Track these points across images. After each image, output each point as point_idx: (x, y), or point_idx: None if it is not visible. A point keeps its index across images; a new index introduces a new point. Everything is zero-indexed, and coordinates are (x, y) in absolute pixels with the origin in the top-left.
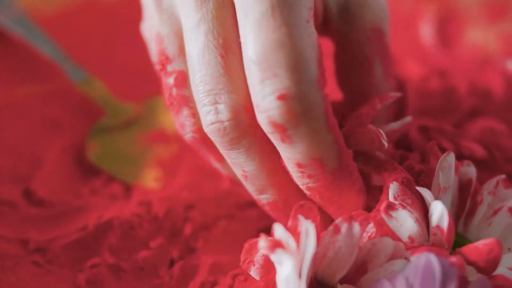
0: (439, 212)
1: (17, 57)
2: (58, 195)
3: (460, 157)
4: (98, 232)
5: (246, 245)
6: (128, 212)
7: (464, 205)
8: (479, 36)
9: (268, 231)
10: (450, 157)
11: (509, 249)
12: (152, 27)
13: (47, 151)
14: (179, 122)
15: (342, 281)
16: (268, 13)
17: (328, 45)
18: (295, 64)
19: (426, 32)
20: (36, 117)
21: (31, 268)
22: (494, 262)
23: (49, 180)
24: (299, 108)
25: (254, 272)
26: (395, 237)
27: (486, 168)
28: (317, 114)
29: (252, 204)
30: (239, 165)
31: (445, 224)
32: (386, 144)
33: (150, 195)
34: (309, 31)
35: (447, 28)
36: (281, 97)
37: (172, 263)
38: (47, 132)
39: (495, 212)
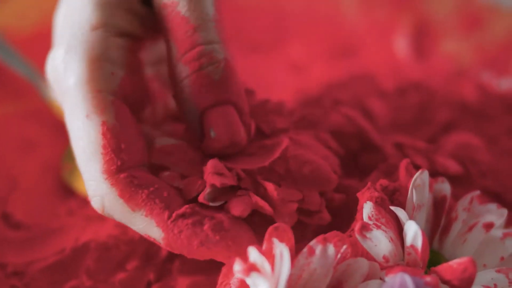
0: (413, 232)
1: None
2: (35, 217)
3: (434, 174)
4: (75, 255)
5: (224, 269)
6: (105, 234)
7: (439, 222)
8: (454, 47)
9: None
10: (424, 175)
11: (484, 265)
12: None
13: (23, 172)
14: None
15: None
16: None
17: None
18: None
19: (401, 44)
20: (12, 137)
21: None
22: (469, 281)
23: (25, 201)
24: None
25: None
26: (370, 257)
27: (461, 183)
28: None
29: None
30: None
31: (419, 243)
32: None
33: None
34: None
35: (423, 39)
36: None
37: (149, 285)
38: (23, 152)
39: (470, 228)
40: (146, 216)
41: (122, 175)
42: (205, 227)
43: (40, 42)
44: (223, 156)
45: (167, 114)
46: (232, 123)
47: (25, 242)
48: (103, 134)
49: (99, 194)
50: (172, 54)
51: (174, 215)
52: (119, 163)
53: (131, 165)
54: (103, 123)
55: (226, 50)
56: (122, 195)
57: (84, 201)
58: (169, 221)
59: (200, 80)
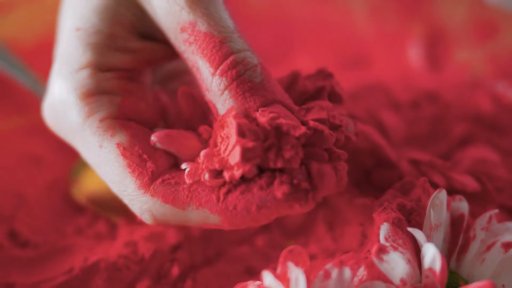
0: (431, 254)
1: None
2: (43, 235)
3: (451, 191)
4: (84, 275)
5: None
6: (114, 254)
7: (456, 241)
8: (467, 57)
9: (256, 270)
10: (442, 194)
11: (503, 286)
12: None
13: (29, 188)
14: None
15: None
16: None
17: None
18: None
19: (414, 54)
20: (18, 152)
21: None
22: None
23: (33, 219)
24: None
25: None
26: (386, 279)
27: (479, 200)
28: None
29: (241, 242)
30: None
31: (437, 266)
32: None
33: (136, 234)
34: None
35: (435, 49)
36: None
37: None
38: (29, 168)
39: (488, 248)
40: (197, 208)
41: (157, 182)
42: (254, 190)
43: (44, 53)
44: None
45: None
46: (288, 116)
47: (33, 261)
48: (123, 155)
49: (145, 209)
50: (204, 71)
51: (221, 195)
52: (149, 173)
53: (161, 170)
54: (118, 145)
55: (257, 55)
56: (166, 200)
57: (93, 218)
58: (219, 203)
59: (242, 86)
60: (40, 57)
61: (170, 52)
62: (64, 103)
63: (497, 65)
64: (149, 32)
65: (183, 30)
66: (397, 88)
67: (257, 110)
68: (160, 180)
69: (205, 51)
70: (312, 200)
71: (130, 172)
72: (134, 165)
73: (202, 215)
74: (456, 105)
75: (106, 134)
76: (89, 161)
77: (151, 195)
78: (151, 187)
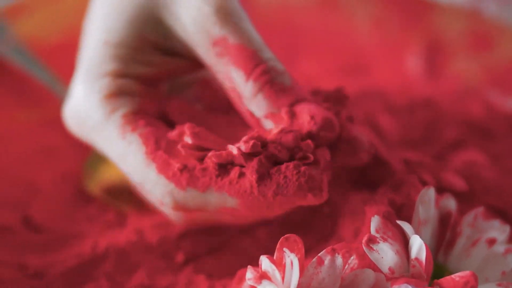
0: (417, 245)
1: (14, 84)
2: (56, 221)
3: (441, 190)
4: (94, 258)
5: (237, 276)
6: (123, 240)
7: (444, 236)
8: (463, 67)
9: (257, 260)
10: (430, 191)
11: (486, 279)
12: None
13: (44, 178)
14: None
15: None
16: None
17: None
18: None
19: (413, 63)
20: (34, 143)
21: None
22: None
23: (46, 206)
24: None
25: None
26: (376, 268)
27: (467, 199)
28: None
29: (245, 233)
30: None
31: (423, 256)
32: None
33: (144, 223)
34: None
35: (433, 58)
36: None
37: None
38: (45, 159)
39: (474, 244)
40: (216, 190)
41: (178, 166)
42: (273, 177)
43: (62, 53)
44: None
45: None
46: (319, 106)
47: (45, 245)
48: (145, 144)
49: (167, 193)
50: (237, 80)
51: (241, 177)
52: (170, 158)
53: (181, 155)
54: (140, 135)
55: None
56: (187, 183)
57: (103, 208)
58: (237, 184)
59: (275, 87)
60: (59, 56)
61: (190, 66)
62: (87, 104)
63: (491, 75)
64: (172, 48)
65: (215, 44)
66: (394, 94)
67: (290, 107)
68: (180, 164)
69: (239, 61)
70: (326, 192)
71: (151, 159)
72: (155, 152)
73: (221, 197)
74: (450, 111)
75: (128, 127)
76: (111, 155)
77: (172, 179)
78: (172, 171)
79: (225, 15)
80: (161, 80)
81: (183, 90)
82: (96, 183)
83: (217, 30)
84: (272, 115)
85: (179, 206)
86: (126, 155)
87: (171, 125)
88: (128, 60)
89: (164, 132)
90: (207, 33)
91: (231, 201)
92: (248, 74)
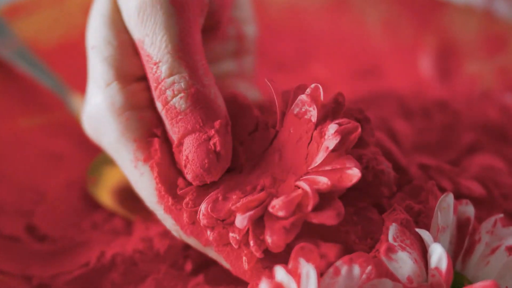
0: (438, 254)
1: (18, 89)
2: (61, 230)
3: (458, 196)
4: (100, 268)
5: (249, 286)
6: (130, 248)
7: (462, 244)
8: (477, 69)
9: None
10: (449, 198)
11: (506, 287)
12: None
13: (49, 185)
14: None
15: None
16: None
17: None
18: None
19: (426, 65)
20: (38, 149)
21: None
22: None
23: (51, 214)
24: None
25: None
26: (394, 278)
27: (485, 206)
28: None
29: None
30: None
31: (443, 266)
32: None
33: (151, 231)
34: None
35: (446, 60)
36: None
37: None
38: (49, 165)
39: (493, 251)
40: (215, 251)
41: (187, 216)
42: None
43: (64, 55)
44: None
45: None
46: (199, 151)
47: (51, 255)
48: (155, 180)
49: (174, 229)
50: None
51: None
52: (179, 204)
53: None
54: (151, 168)
55: (194, 78)
56: (191, 234)
57: (109, 215)
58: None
59: (171, 112)
60: (60, 57)
61: None
62: (101, 118)
63: (506, 77)
64: None
65: (138, 45)
66: (408, 97)
67: (181, 138)
68: (188, 217)
69: (148, 71)
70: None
71: (160, 199)
72: (164, 194)
73: (218, 257)
74: (466, 114)
75: (140, 155)
76: (126, 174)
77: (178, 223)
78: (178, 217)
79: (144, 15)
80: None
81: None
82: (102, 188)
83: (136, 32)
84: (171, 139)
85: (184, 241)
86: (138, 183)
87: None
88: (118, 58)
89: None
90: (133, 32)
91: (227, 264)
92: (154, 90)
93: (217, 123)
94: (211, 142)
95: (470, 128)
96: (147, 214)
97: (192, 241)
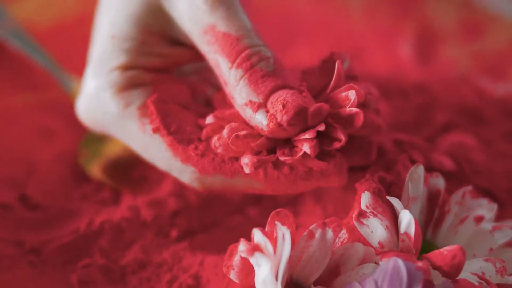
0: (407, 220)
1: (13, 68)
2: (52, 200)
3: (430, 170)
4: (89, 235)
5: (228, 250)
6: (118, 216)
7: (432, 214)
8: (455, 53)
9: (248, 237)
10: (419, 169)
11: (474, 255)
12: None
13: (41, 158)
14: None
15: (316, 283)
16: None
17: None
18: None
19: (406, 50)
20: (31, 125)
21: (27, 268)
22: (458, 267)
23: (43, 185)
24: None
25: (233, 276)
26: (366, 242)
27: (456, 180)
28: None
29: (236, 211)
30: None
31: (412, 231)
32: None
33: (138, 201)
34: None
35: (426, 46)
36: None
37: (160, 263)
38: (41, 140)
39: (462, 221)
40: (244, 177)
41: (205, 156)
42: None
43: (58, 36)
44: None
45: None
46: (296, 94)
47: (42, 222)
48: (164, 135)
49: (195, 179)
50: (223, 67)
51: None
52: (192, 148)
53: (203, 142)
54: (157, 128)
55: (270, 50)
56: (215, 171)
57: (98, 187)
58: (266, 176)
59: (255, 74)
60: (54, 39)
61: (195, 56)
62: (100, 99)
63: (482, 62)
64: (177, 38)
65: (206, 32)
66: (387, 80)
67: (268, 95)
68: (207, 152)
69: (224, 49)
70: (346, 174)
71: (174, 150)
72: (176, 143)
73: (248, 181)
74: (442, 96)
75: (146, 119)
76: (133, 147)
77: (200, 171)
78: (198, 161)
79: (213, 2)
80: (169, 69)
81: (189, 75)
82: (92, 163)
83: (206, 19)
84: (251, 103)
85: (206, 188)
86: (149, 146)
87: (185, 106)
88: (135, 52)
89: (182, 118)
90: (199, 21)
91: (258, 185)
92: (232, 62)
93: (299, 83)
94: (304, 94)
95: (445, 109)
96: (135, 186)
97: (218, 180)
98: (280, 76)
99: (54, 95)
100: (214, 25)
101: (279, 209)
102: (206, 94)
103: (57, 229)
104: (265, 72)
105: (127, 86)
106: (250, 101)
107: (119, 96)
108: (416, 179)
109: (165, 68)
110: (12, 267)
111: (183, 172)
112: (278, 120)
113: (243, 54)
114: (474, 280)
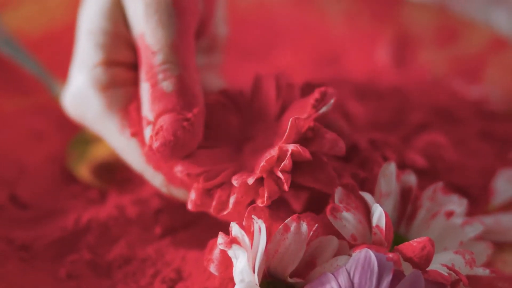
0: (378, 213)
1: (4, 74)
2: (41, 199)
3: (403, 167)
4: (77, 232)
5: (208, 245)
6: (104, 214)
7: (405, 210)
8: (431, 58)
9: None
10: (391, 166)
11: (445, 248)
12: None
13: (30, 159)
14: None
15: (293, 274)
16: None
17: None
18: None
19: (382, 53)
20: (22, 128)
21: (18, 263)
22: (427, 258)
23: (32, 186)
24: None
25: (213, 269)
26: (340, 236)
27: (428, 177)
28: None
29: None
30: None
31: (383, 224)
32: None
33: (124, 199)
34: None
35: (402, 51)
36: None
37: (145, 259)
38: (31, 142)
39: (433, 216)
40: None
41: (174, 171)
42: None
43: (48, 44)
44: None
45: None
46: (177, 122)
47: (31, 220)
48: (140, 141)
49: (164, 185)
50: (142, 76)
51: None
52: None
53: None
54: (133, 133)
55: (182, 68)
56: (180, 186)
57: (86, 186)
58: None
59: (155, 93)
60: (43, 47)
61: None
62: (85, 96)
63: (457, 65)
64: None
65: (138, 38)
66: (364, 83)
67: (157, 116)
68: (176, 169)
69: (142, 60)
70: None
71: (147, 157)
72: (151, 152)
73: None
74: (417, 98)
75: (126, 124)
76: (112, 145)
77: (168, 181)
78: (167, 172)
79: (148, 11)
80: None
81: None
82: (80, 164)
83: (141, 26)
84: (144, 119)
85: (173, 196)
86: (126, 148)
87: None
88: (111, 46)
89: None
90: (135, 26)
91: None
92: (145, 73)
93: (195, 110)
94: (186, 123)
95: (420, 110)
96: (122, 186)
97: (182, 193)
98: (177, 98)
99: (43, 99)
100: (143, 34)
101: (255, 205)
102: None
103: (46, 226)
104: (163, 92)
105: (110, 84)
106: (144, 117)
107: (102, 95)
108: (388, 175)
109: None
110: (3, 263)
111: (154, 177)
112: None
113: (153, 70)
114: (444, 271)
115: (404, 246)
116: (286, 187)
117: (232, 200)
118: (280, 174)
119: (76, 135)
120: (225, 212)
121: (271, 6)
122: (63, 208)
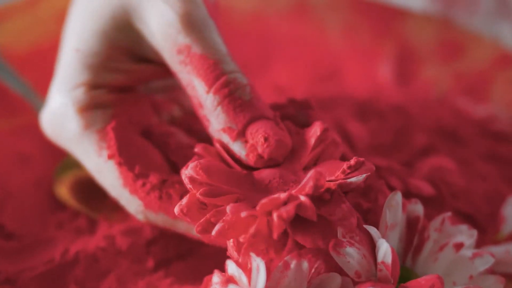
0: (384, 249)
1: None
2: (27, 228)
3: (408, 195)
4: (64, 265)
5: (204, 281)
6: (93, 245)
7: (411, 241)
8: (434, 74)
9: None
10: (397, 196)
11: (453, 283)
12: None
13: (16, 184)
14: None
15: None
16: None
17: None
18: None
19: (384, 69)
20: (6, 150)
21: None
22: None
23: (18, 213)
24: None
25: None
26: (343, 272)
27: (435, 204)
28: None
29: None
30: None
31: (389, 260)
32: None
33: (114, 229)
34: None
35: (404, 67)
36: None
37: None
38: (17, 166)
39: (441, 248)
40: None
41: (151, 194)
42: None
43: (34, 61)
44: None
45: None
46: (275, 128)
47: (17, 252)
48: (118, 164)
49: (140, 211)
50: (199, 89)
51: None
52: (142, 183)
53: (153, 177)
54: (111, 155)
55: (246, 77)
56: (159, 210)
57: (74, 214)
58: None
59: (233, 102)
60: (31, 64)
61: (162, 72)
62: (63, 116)
63: (461, 82)
64: (144, 55)
65: (179, 52)
66: (365, 101)
67: (246, 124)
68: (153, 191)
69: (200, 71)
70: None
71: (124, 180)
72: (127, 174)
73: (188, 226)
74: (421, 117)
75: (103, 145)
76: (88, 167)
77: (145, 206)
78: (144, 196)
79: (189, 23)
80: (134, 86)
81: (157, 93)
82: (65, 188)
83: (181, 38)
84: (229, 130)
85: (150, 223)
86: (102, 171)
87: (146, 135)
88: (100, 69)
89: (140, 149)
90: (172, 40)
91: (195, 232)
92: (209, 86)
93: (274, 114)
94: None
95: (424, 131)
96: (110, 212)
97: (160, 218)
98: (257, 105)
99: (29, 120)
100: (189, 45)
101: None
102: (172, 113)
103: (32, 258)
104: (243, 101)
105: (90, 105)
106: (229, 128)
107: (80, 115)
108: (394, 206)
109: (129, 85)
110: None
111: (130, 202)
112: (260, 152)
113: (220, 80)
114: None
115: (411, 284)
116: (275, 235)
117: (217, 228)
118: (275, 218)
119: (63, 159)
120: (206, 235)
121: (268, 20)
122: (50, 238)
